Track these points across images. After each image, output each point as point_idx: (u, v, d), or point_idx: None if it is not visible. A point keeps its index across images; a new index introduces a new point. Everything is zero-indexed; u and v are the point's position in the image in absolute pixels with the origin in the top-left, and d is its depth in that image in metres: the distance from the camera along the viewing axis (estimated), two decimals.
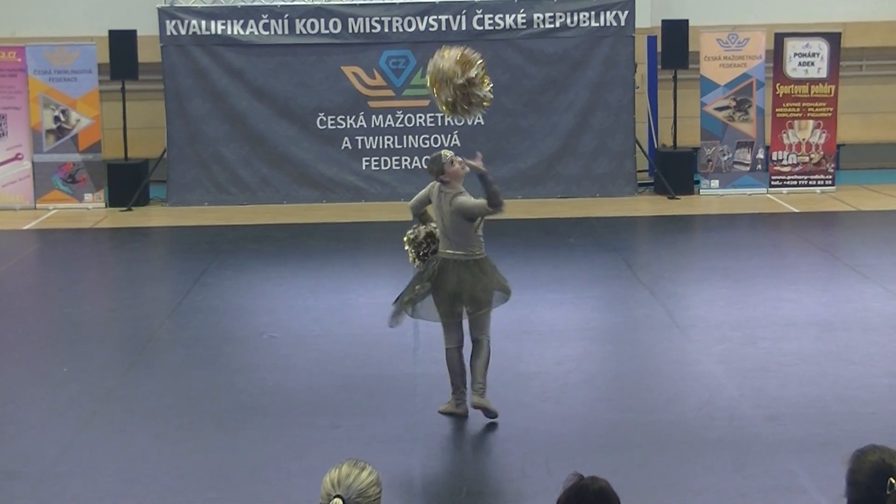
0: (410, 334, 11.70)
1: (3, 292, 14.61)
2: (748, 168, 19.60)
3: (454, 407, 9.37)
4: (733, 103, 19.51)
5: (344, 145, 19.59)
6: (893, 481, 4.38)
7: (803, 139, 19.57)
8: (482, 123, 19.38)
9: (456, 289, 9.23)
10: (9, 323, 12.94)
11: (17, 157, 19.50)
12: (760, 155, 19.59)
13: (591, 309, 13.32)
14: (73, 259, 16.55)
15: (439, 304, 9.31)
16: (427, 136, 19.57)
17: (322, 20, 19.42)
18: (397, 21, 19.43)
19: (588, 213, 18.21)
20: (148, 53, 19.41)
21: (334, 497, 4.41)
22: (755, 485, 8.04)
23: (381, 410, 9.67)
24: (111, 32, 19.37)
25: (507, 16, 19.43)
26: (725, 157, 19.57)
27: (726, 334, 11.73)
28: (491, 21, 19.45)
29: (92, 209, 19.30)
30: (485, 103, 9.37)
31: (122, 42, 19.36)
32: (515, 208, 18.63)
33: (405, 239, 9.86)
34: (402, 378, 10.49)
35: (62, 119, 19.41)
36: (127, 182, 19.40)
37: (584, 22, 19.49)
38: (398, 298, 9.55)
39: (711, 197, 19.35)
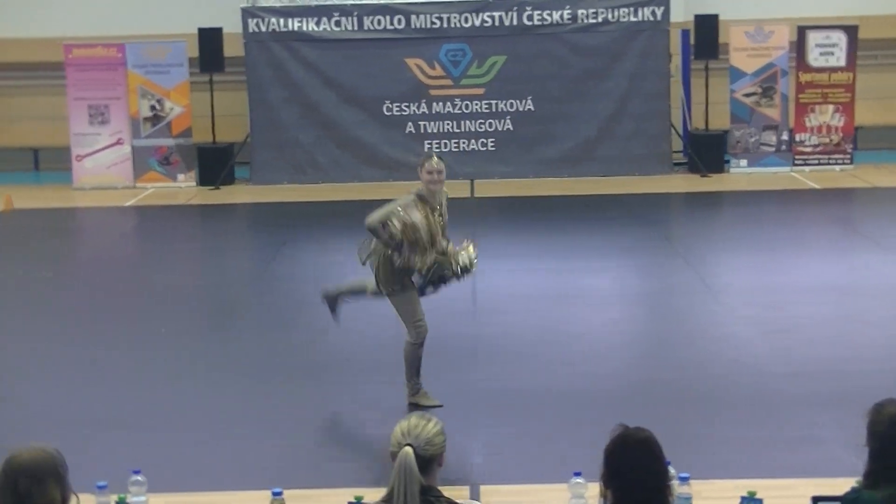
0: (469, 300, 11.67)
1: (106, 262, 14.70)
2: (773, 149, 19.40)
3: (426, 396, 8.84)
4: (760, 90, 19.31)
5: (407, 129, 19.55)
6: None
7: (824, 122, 19.34)
8: (532, 109, 19.32)
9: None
10: (111, 289, 13.00)
11: (118, 142, 19.57)
12: (785, 137, 19.39)
13: (631, 276, 13.24)
14: (167, 232, 16.61)
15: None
16: (482, 120, 19.49)
17: (387, 17, 19.37)
18: (455, 17, 19.36)
19: (626, 190, 18.08)
20: (232, 48, 19.42)
21: (405, 445, 4.41)
22: (781, 436, 7.97)
23: (442, 368, 9.64)
24: (200, 30, 19.39)
25: (554, 12, 19.30)
26: (753, 139, 19.38)
27: (754, 299, 11.62)
28: (539, 17, 19.33)
29: (184, 188, 19.36)
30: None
31: (210, 38, 19.39)
32: (560, 186, 18.56)
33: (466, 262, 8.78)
34: (461, 339, 10.45)
35: (157, 108, 19.46)
36: (215, 163, 19.44)
37: (624, 17, 19.34)
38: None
39: (740, 175, 19.15)
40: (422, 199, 8.48)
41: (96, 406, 8.91)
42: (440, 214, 8.59)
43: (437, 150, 19.40)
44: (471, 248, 8.69)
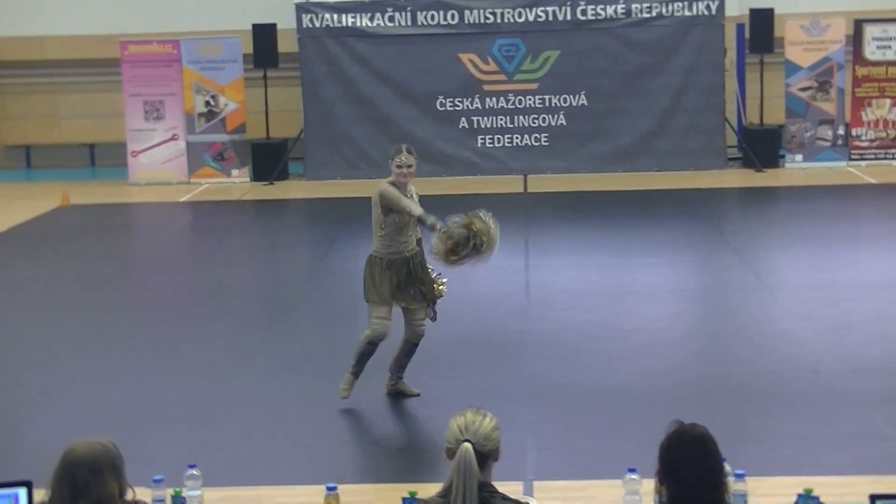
0: (522, 295, 11.67)
1: (162, 257, 14.80)
2: (829, 143, 19.23)
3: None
4: (815, 84, 19.14)
5: (461, 125, 19.54)
6: None
7: (881, 116, 19.15)
8: (585, 104, 19.27)
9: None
10: (167, 284, 13.09)
11: (173, 138, 19.70)
12: (841, 131, 19.21)
13: (685, 271, 13.17)
14: (222, 227, 16.70)
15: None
16: (536, 115, 19.45)
17: (441, 12, 19.38)
18: (508, 12, 19.33)
19: (680, 185, 17.98)
20: (286, 44, 19.48)
21: (463, 441, 4.40)
22: (838, 433, 7.90)
23: (495, 364, 9.64)
24: (254, 26, 19.48)
25: (608, 6, 19.22)
26: (808, 134, 19.22)
27: (810, 295, 11.52)
28: (593, 11, 19.25)
29: (238, 183, 19.45)
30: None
31: (264, 34, 19.47)
32: (614, 181, 18.50)
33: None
34: (515, 334, 10.44)
35: (212, 104, 19.57)
36: (269, 159, 19.52)
37: (678, 11, 19.24)
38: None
39: (795, 170, 19.01)
40: (395, 186, 8.55)
41: (153, 401, 8.97)
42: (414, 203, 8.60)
43: (490, 146, 19.40)
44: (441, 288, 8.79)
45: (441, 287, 8.78)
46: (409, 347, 8.78)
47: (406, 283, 8.59)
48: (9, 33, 21.00)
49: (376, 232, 8.60)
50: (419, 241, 8.78)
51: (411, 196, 8.63)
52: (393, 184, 8.54)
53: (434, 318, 8.78)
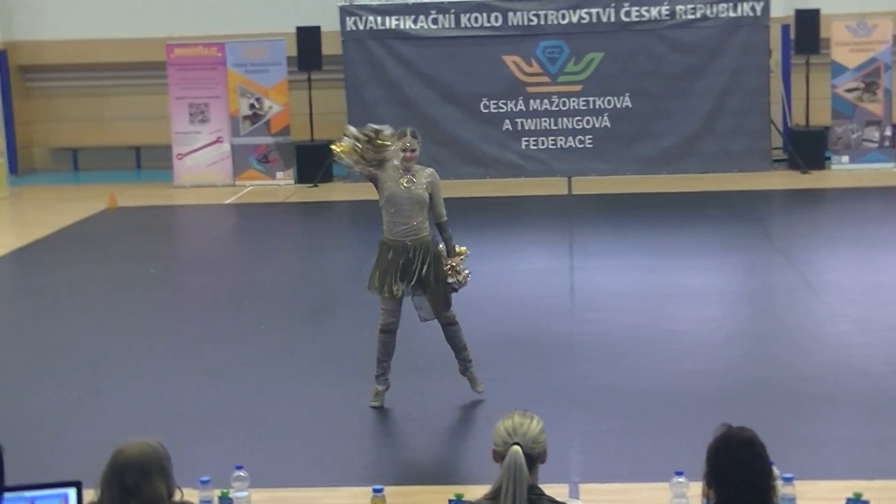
0: (567, 297, 11.64)
1: (207, 259, 14.87)
2: (876, 145, 19.09)
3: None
4: (862, 85, 19.01)
5: (504, 127, 19.53)
6: None
7: None
8: (630, 106, 19.22)
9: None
10: (212, 286, 13.15)
11: (218, 141, 19.79)
12: (888, 132, 19.06)
13: (731, 273, 13.11)
14: (266, 229, 16.76)
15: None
16: (580, 118, 19.41)
17: (484, 14, 19.37)
18: (552, 14, 19.30)
19: (727, 186, 17.88)
20: (330, 47, 19.53)
21: (512, 444, 4.38)
22: (888, 436, 7.82)
23: (541, 365, 9.62)
24: (298, 29, 19.54)
25: (652, 8, 19.16)
26: (855, 135, 19.08)
27: (857, 297, 11.43)
28: (637, 13, 19.20)
29: (282, 185, 19.51)
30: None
31: (308, 37, 19.53)
32: (659, 183, 18.43)
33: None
34: (560, 336, 10.41)
35: (256, 106, 19.64)
36: (313, 161, 19.56)
37: (723, 13, 19.15)
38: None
39: (841, 172, 18.88)
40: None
41: (200, 401, 9.00)
42: (415, 185, 8.58)
43: (534, 148, 19.36)
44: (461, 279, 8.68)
45: (462, 277, 8.64)
46: (445, 332, 8.76)
47: (402, 272, 8.55)
48: (57, 37, 21.16)
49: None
50: (447, 240, 8.70)
51: (415, 175, 8.58)
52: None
53: (423, 319, 8.78)
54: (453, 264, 8.63)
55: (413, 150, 8.58)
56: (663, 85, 19.26)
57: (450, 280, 8.60)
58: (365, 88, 19.51)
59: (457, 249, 8.70)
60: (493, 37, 19.38)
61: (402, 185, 8.53)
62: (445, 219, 8.72)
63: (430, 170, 8.75)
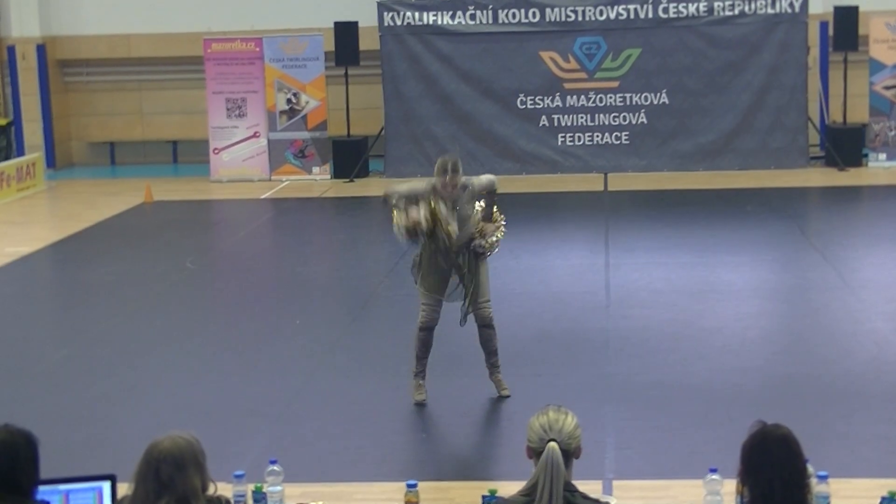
0: (602, 293, 11.61)
1: (243, 254, 14.91)
2: None
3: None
4: None
5: (541, 123, 19.51)
6: None
7: None
8: (667, 102, 19.17)
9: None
10: (249, 281, 13.19)
11: (255, 135, 19.85)
12: None
13: (767, 270, 13.04)
14: (302, 224, 16.80)
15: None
16: (616, 114, 19.36)
17: (522, 10, 19.35)
18: (590, 10, 19.25)
19: (763, 183, 17.80)
20: (368, 42, 19.55)
21: (548, 440, 4.35)
22: None
23: (576, 361, 9.60)
24: (336, 24, 19.57)
25: (690, 4, 19.09)
26: (892, 132, 18.95)
27: (894, 294, 11.35)
28: (675, 9, 19.13)
29: (319, 180, 19.56)
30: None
31: (346, 32, 19.56)
32: (696, 179, 18.36)
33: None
34: (595, 332, 10.39)
35: (293, 101, 19.69)
36: (349, 156, 19.61)
37: (761, 9, 19.05)
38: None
39: (879, 169, 18.75)
40: (436, 191, 8.45)
41: (234, 396, 9.03)
42: (454, 208, 8.45)
43: (571, 144, 19.31)
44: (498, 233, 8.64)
45: (487, 242, 8.55)
46: (481, 333, 8.72)
47: (445, 277, 8.53)
48: (95, 31, 21.28)
49: None
50: (489, 205, 8.62)
51: (456, 206, 8.43)
52: (435, 188, 8.43)
53: (462, 322, 8.73)
54: (484, 226, 8.55)
55: (454, 186, 8.39)
56: (701, 81, 19.19)
57: (476, 241, 8.53)
58: (403, 83, 19.53)
59: (494, 216, 8.62)
60: (531, 33, 19.36)
61: (451, 218, 8.41)
62: (496, 188, 8.64)
63: (463, 179, 8.48)
